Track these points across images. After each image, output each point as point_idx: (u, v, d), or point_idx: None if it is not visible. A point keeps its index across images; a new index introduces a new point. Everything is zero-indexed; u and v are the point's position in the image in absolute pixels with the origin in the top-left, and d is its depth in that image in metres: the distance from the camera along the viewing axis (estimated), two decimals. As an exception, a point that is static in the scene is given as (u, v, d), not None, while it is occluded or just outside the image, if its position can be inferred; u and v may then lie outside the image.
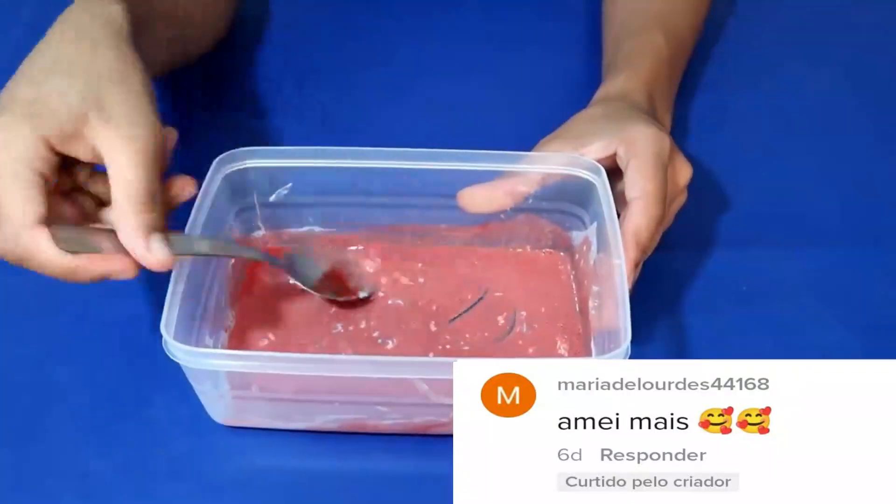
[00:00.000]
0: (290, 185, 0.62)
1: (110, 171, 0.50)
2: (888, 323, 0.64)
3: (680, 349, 0.61)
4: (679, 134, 0.73)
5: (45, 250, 0.49)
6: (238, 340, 0.60)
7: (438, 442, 0.56)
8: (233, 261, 0.61)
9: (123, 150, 0.49)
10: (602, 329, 0.57)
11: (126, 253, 0.50)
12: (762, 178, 0.73)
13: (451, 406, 0.53)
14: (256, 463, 0.56)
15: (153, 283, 0.63)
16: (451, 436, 0.55)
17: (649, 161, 0.58)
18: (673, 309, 0.64)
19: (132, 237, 0.50)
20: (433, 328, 0.62)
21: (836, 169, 0.74)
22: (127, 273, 0.51)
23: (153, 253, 0.50)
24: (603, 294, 0.57)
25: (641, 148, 0.58)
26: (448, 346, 0.60)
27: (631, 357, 0.50)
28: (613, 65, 0.71)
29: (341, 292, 0.63)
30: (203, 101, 0.78)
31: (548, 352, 0.60)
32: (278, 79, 0.80)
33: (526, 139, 0.63)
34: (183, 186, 0.55)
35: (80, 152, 0.50)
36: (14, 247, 0.49)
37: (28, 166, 0.49)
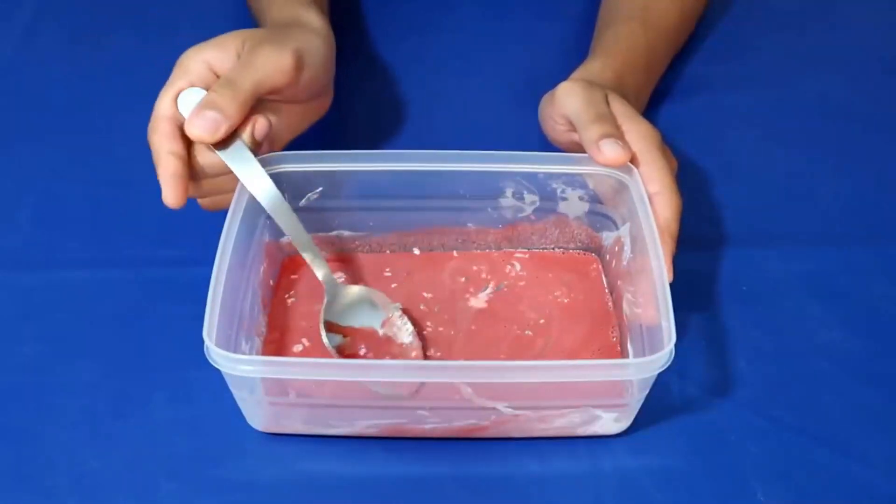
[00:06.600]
0: (320, 189, 0.61)
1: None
2: (888, 323, 0.64)
3: (679, 349, 0.61)
4: (678, 134, 0.73)
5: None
6: (272, 346, 0.59)
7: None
8: (265, 265, 0.61)
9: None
10: (642, 328, 0.56)
11: None
12: (761, 178, 0.73)
13: (493, 409, 0.53)
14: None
15: (153, 283, 0.63)
16: (492, 440, 0.56)
17: (656, 154, 0.59)
18: (672, 309, 0.63)
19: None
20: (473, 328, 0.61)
21: (835, 168, 0.74)
22: None
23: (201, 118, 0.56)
24: (639, 294, 0.57)
25: (648, 143, 0.59)
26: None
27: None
28: (591, 52, 0.71)
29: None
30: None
31: (582, 354, 0.60)
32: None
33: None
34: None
35: None
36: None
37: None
